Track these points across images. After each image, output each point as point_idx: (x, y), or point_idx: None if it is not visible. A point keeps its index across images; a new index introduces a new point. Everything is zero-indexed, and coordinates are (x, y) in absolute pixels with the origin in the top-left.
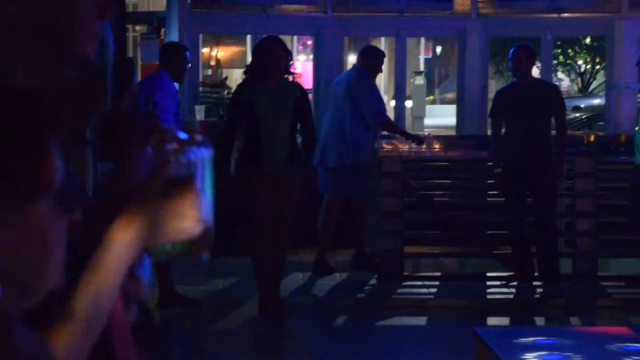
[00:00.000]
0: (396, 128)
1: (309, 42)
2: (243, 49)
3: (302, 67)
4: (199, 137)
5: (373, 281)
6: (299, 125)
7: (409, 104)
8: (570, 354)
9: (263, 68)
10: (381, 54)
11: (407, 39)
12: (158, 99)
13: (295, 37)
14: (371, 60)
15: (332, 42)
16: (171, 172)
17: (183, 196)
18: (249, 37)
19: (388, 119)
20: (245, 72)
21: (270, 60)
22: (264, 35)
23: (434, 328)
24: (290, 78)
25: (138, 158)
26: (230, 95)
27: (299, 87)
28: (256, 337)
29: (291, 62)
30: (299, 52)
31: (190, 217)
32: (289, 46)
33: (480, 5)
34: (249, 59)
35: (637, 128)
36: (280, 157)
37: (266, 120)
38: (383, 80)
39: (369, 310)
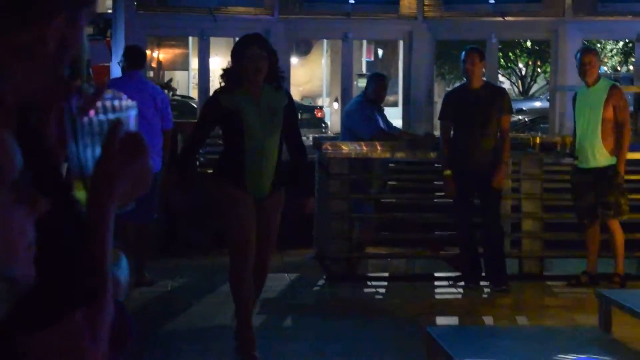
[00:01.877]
0: (392, 135)
1: None
2: (185, 51)
3: None
4: (117, 94)
5: (322, 282)
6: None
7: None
8: (520, 353)
9: (239, 72)
10: (371, 80)
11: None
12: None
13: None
14: (367, 85)
15: (279, 44)
16: (122, 132)
17: (138, 151)
18: (190, 39)
19: (379, 131)
20: (221, 77)
21: (246, 62)
22: (210, 37)
23: (383, 329)
24: (276, 84)
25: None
26: (173, 99)
27: (286, 93)
28: (205, 339)
29: (276, 63)
30: None
31: (147, 169)
32: (230, 49)
33: (426, 8)
34: (192, 61)
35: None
36: (267, 178)
37: (253, 135)
38: (325, 83)
39: (318, 311)
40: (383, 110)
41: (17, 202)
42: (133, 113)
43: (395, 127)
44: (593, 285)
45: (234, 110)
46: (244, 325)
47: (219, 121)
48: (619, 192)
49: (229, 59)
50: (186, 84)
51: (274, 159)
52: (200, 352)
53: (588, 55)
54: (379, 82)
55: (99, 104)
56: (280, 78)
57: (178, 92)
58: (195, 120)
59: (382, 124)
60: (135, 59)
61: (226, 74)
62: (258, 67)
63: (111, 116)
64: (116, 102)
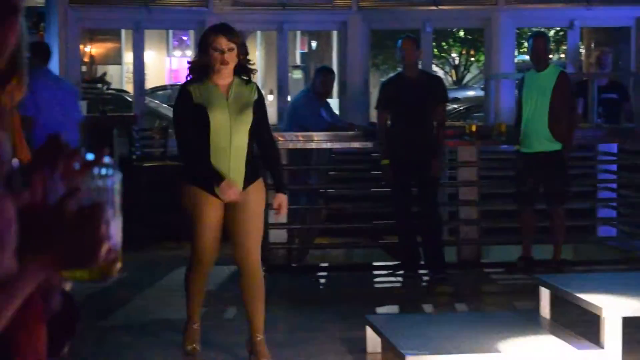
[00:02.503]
0: (342, 128)
1: (184, 38)
2: (117, 45)
3: (178, 63)
4: (107, 160)
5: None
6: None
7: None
8: (459, 338)
9: (207, 63)
10: (318, 74)
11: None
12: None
13: (170, 33)
14: (314, 79)
15: None
16: (81, 199)
17: (92, 223)
18: (123, 32)
19: (329, 124)
20: (189, 69)
21: (213, 53)
22: (144, 30)
23: (324, 318)
24: (246, 77)
25: (47, 179)
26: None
27: (256, 88)
28: (146, 332)
29: (246, 56)
30: (174, 48)
31: (99, 244)
32: (163, 42)
33: None
34: (125, 54)
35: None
36: (236, 177)
37: (220, 132)
38: (260, 75)
39: None
40: (329, 103)
41: (7, 194)
42: (110, 183)
43: (341, 120)
44: (530, 270)
45: (202, 104)
46: (189, 318)
47: (192, 115)
48: (565, 179)
49: (159, 52)
50: (119, 78)
51: (243, 156)
52: (141, 345)
53: (541, 40)
54: (326, 76)
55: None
56: (249, 71)
57: (112, 87)
58: (132, 114)
59: (328, 118)
60: (46, 54)
61: (193, 65)
62: (225, 58)
63: (104, 181)
64: (104, 171)
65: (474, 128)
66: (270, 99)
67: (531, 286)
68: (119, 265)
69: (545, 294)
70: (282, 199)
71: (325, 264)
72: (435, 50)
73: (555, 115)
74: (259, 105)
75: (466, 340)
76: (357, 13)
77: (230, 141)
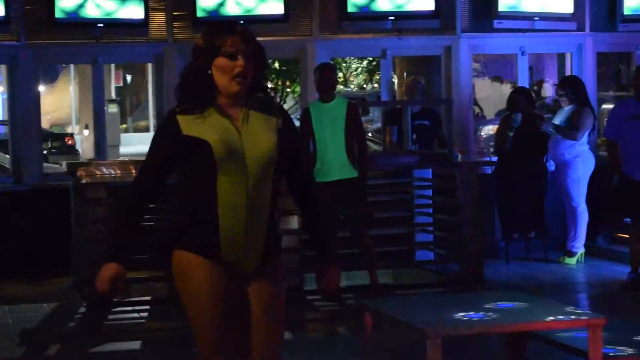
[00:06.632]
0: None
1: None
2: None
3: None
4: None
5: (83, 309)
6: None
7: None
8: None
9: (210, 79)
10: None
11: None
12: None
13: None
14: None
15: (26, 71)
16: None
17: None
18: None
19: None
20: (178, 88)
21: (224, 64)
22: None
23: (147, 352)
24: (263, 96)
25: None
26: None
27: (280, 110)
28: None
29: (264, 64)
30: None
31: None
32: None
33: (175, 30)
34: None
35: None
36: (254, 246)
37: (231, 181)
38: (74, 110)
39: (81, 338)
40: None
41: None
42: None
43: None
44: (338, 298)
45: (201, 141)
46: None
47: (179, 157)
48: (366, 204)
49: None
50: None
51: (265, 213)
52: None
53: (327, 70)
54: None
55: None
56: (267, 89)
57: None
58: None
59: None
60: None
61: (187, 82)
62: (244, 70)
63: None
64: None
65: None
66: (85, 133)
67: (353, 312)
68: None
69: (368, 318)
70: (332, 272)
71: (147, 298)
72: None
73: (350, 144)
74: (287, 137)
75: None
76: (173, 45)
77: (247, 196)
